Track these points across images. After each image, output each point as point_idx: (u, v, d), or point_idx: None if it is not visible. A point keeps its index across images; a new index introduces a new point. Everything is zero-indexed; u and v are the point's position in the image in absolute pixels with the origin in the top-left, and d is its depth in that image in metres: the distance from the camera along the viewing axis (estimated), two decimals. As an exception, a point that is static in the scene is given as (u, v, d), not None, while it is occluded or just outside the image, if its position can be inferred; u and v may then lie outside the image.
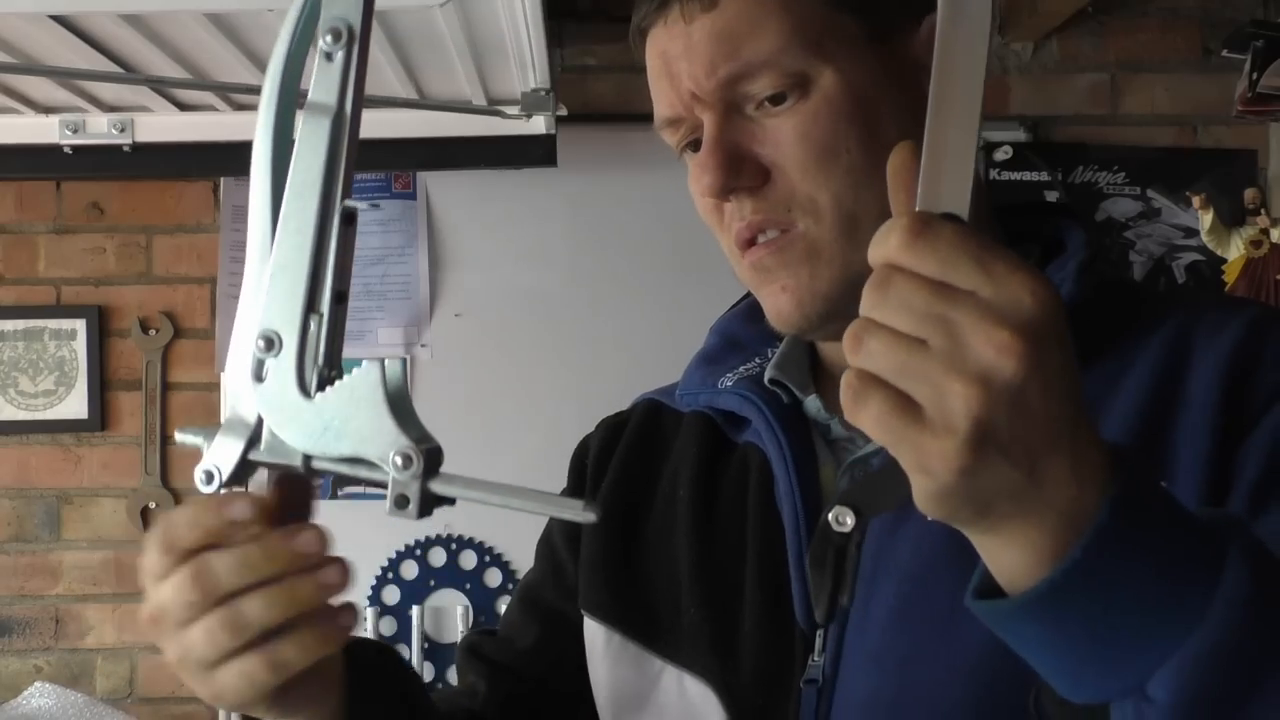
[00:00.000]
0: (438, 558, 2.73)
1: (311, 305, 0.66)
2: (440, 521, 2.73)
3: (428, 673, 2.69)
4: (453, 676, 2.69)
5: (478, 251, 2.75)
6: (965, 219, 0.57)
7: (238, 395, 0.66)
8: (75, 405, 2.78)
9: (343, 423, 0.64)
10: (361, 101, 0.65)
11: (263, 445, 0.66)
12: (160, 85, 2.26)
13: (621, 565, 0.95)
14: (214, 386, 2.77)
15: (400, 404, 0.64)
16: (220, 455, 0.66)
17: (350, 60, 0.64)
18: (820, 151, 0.81)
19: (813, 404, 0.91)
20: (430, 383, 2.73)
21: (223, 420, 0.67)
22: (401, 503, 0.64)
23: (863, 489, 0.61)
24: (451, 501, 0.64)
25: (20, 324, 2.78)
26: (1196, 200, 2.73)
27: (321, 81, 0.64)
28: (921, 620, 0.79)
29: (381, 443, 0.63)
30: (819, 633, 0.83)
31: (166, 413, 2.79)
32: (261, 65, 2.15)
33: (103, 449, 2.79)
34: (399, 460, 0.63)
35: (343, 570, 0.67)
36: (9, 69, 2.06)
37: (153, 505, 2.77)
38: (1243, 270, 2.74)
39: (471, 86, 2.30)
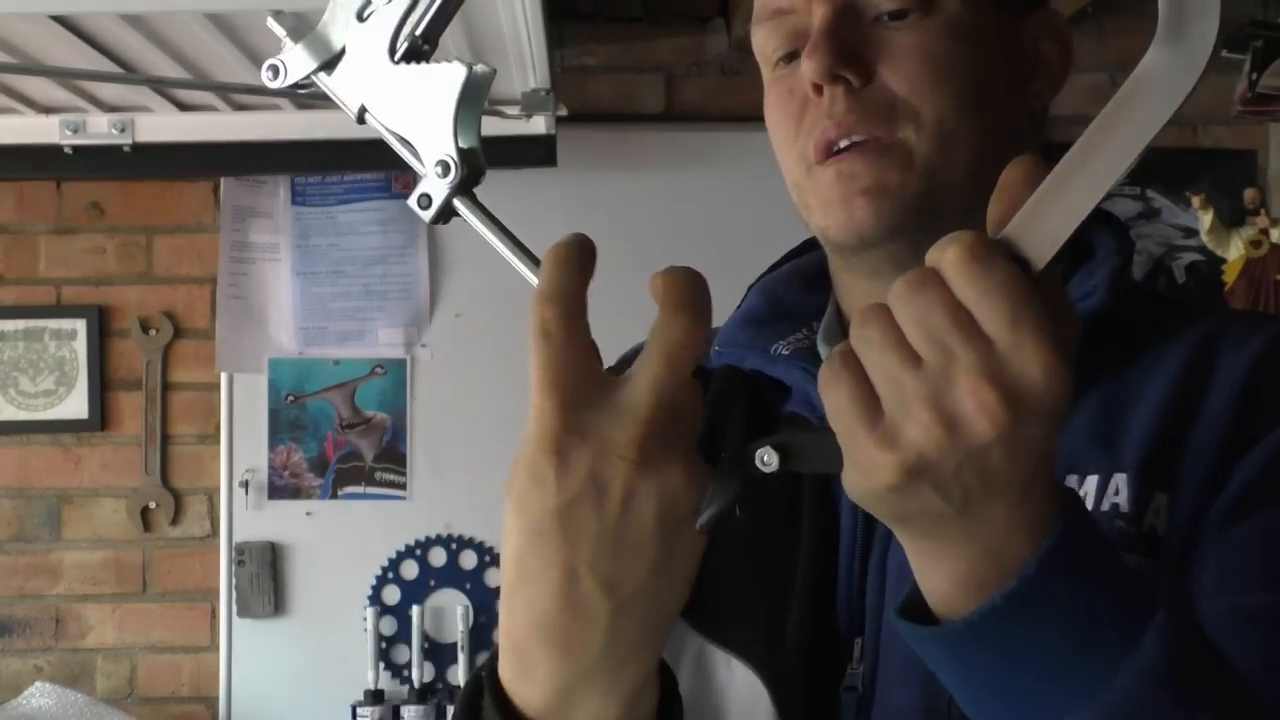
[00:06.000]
0: (438, 557, 2.74)
1: None
2: (440, 521, 2.74)
3: (428, 672, 2.69)
4: (452, 676, 2.70)
5: (478, 251, 2.74)
6: (1038, 268, 0.54)
7: (335, 14, 0.66)
8: (75, 405, 2.78)
9: (408, 100, 0.64)
10: None
11: (334, 73, 0.66)
12: (160, 85, 2.26)
13: None
14: (214, 386, 2.77)
15: (468, 112, 0.64)
16: (293, 60, 0.67)
17: None
18: (934, 68, 0.81)
19: None
20: (430, 383, 2.74)
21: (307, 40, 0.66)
22: (424, 202, 0.65)
23: (798, 440, 0.60)
24: (457, 216, 0.65)
25: (20, 324, 2.78)
26: (1196, 200, 2.74)
27: None
28: None
29: (432, 140, 0.64)
30: (856, 641, 0.82)
31: (166, 413, 2.79)
32: (261, 65, 2.15)
33: (103, 449, 2.79)
34: (439, 167, 0.64)
35: None
36: (9, 69, 2.07)
37: (153, 505, 2.77)
38: (1242, 270, 2.74)
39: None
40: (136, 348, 2.80)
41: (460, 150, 0.63)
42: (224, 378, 2.75)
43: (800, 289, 0.97)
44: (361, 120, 0.66)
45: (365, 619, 2.68)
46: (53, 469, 2.79)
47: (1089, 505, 0.75)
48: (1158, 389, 0.78)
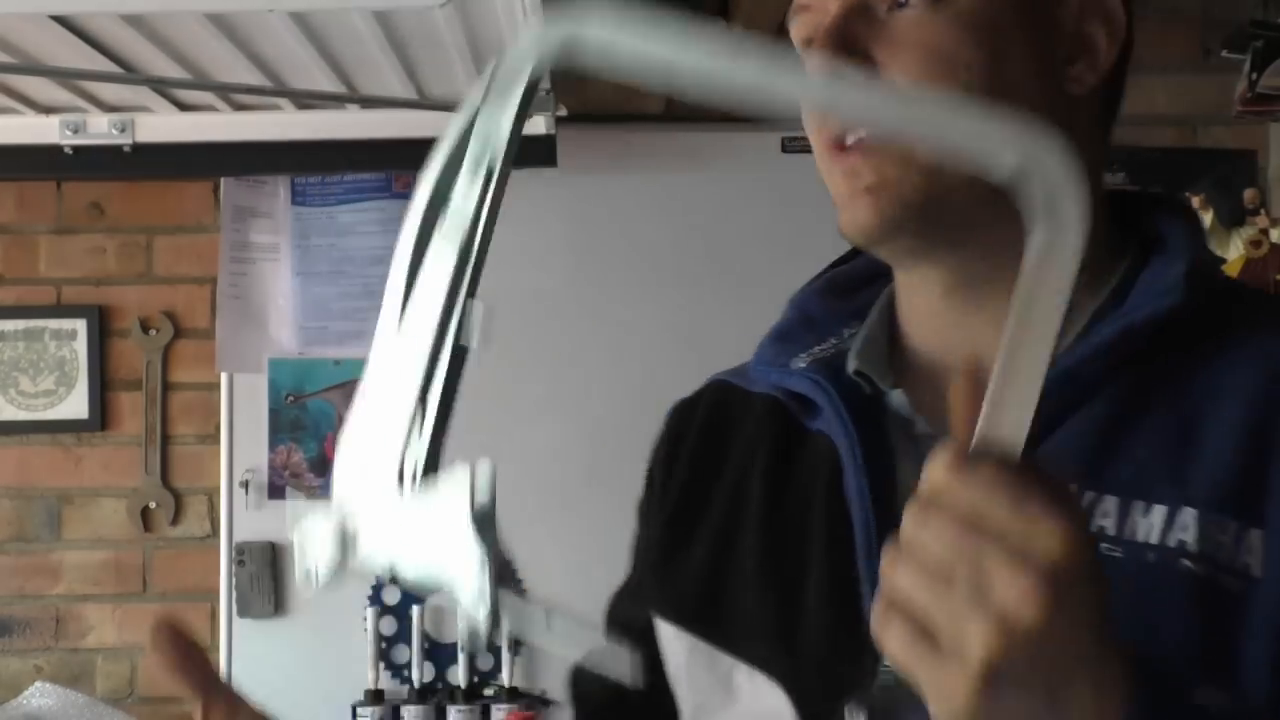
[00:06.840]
0: (438, 558, 2.73)
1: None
2: (440, 521, 2.73)
3: (428, 672, 2.69)
4: (452, 676, 2.70)
5: (478, 251, 2.75)
6: (1020, 449, 0.58)
7: (345, 499, 0.67)
8: (75, 405, 2.78)
9: (428, 542, 0.65)
10: (492, 230, 0.68)
11: (358, 554, 0.67)
12: (161, 85, 2.26)
13: (689, 562, 0.92)
14: (214, 386, 2.76)
15: (484, 523, 0.64)
16: (318, 556, 0.67)
17: (486, 196, 0.67)
18: (935, 63, 0.78)
19: (897, 398, 0.87)
20: (430, 383, 2.73)
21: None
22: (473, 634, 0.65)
23: (883, 694, 0.66)
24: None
25: (20, 324, 2.78)
26: (1196, 200, 2.73)
27: (457, 212, 0.69)
28: None
29: (462, 577, 0.64)
30: None
31: (167, 413, 2.79)
32: (262, 65, 2.15)
33: (103, 449, 2.79)
34: (476, 590, 0.64)
35: None
36: (9, 69, 2.07)
37: (153, 505, 2.77)
38: (1242, 270, 2.74)
39: (472, 87, 2.30)
40: (136, 348, 2.80)
41: (492, 584, 0.63)
42: (224, 378, 2.75)
43: (830, 298, 0.96)
44: (395, 580, 0.66)
45: (365, 619, 2.67)
46: (53, 469, 2.79)
47: (1154, 537, 0.73)
48: (1231, 410, 0.75)
